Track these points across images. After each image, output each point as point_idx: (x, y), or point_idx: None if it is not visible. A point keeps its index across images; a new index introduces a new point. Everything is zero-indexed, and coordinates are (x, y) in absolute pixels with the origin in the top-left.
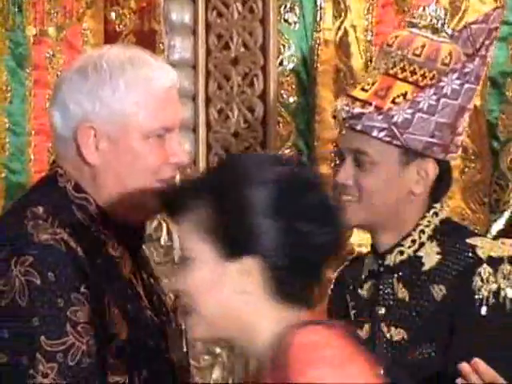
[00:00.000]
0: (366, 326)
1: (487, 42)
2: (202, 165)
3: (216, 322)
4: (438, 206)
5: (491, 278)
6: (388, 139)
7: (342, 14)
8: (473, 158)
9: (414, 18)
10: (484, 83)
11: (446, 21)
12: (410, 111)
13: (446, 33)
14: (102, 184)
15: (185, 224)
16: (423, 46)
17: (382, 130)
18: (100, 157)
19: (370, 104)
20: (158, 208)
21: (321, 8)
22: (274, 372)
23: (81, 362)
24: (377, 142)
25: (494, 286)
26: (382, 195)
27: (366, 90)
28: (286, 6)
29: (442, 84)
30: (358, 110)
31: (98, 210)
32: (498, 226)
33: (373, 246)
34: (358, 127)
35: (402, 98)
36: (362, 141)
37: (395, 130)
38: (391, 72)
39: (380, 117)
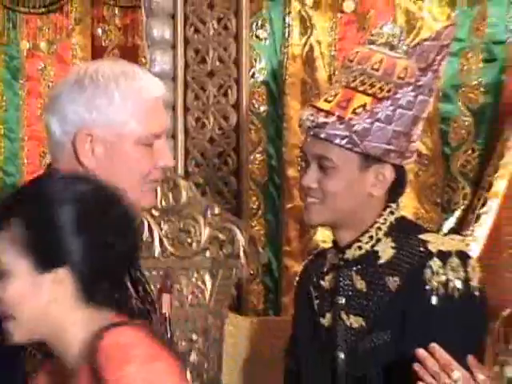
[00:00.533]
0: (328, 315)
1: (439, 58)
2: (180, 168)
3: (32, 327)
4: (393, 205)
5: (441, 271)
6: (349, 146)
7: (308, 31)
8: (426, 162)
9: (373, 35)
10: (437, 95)
11: (402, 38)
12: (369, 121)
13: (402, 49)
14: None
15: (1, 241)
16: (381, 62)
17: (344, 137)
18: (95, 161)
19: (333, 114)
20: (148, 207)
21: (289, 26)
22: (89, 372)
23: None
24: (339, 149)
25: (443, 278)
26: (343, 197)
27: (329, 101)
28: (257, 24)
29: (397, 96)
30: (322, 119)
31: None
32: (450, 224)
33: (334, 241)
34: (322, 135)
35: (361, 108)
36: (325, 148)
37: (355, 138)
38: (352, 85)
39: (342, 126)
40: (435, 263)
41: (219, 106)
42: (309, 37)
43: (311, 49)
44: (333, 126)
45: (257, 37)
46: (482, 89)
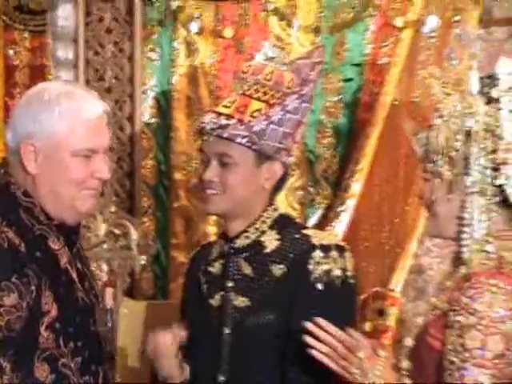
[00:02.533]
0: (217, 296)
1: (313, 72)
2: None
3: None
4: (276, 202)
5: (323, 261)
6: (248, 144)
7: (193, 54)
8: (294, 167)
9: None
10: None
11: (281, 55)
12: (264, 123)
13: (285, 63)
14: (41, 190)
15: None
16: (272, 73)
17: (244, 137)
18: (38, 168)
19: (233, 117)
20: (87, 211)
21: (176, 49)
22: None
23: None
24: (238, 147)
25: (325, 267)
26: (241, 190)
27: (228, 107)
28: (148, 47)
29: (286, 103)
30: (224, 121)
31: (41, 211)
32: (313, 221)
33: (223, 232)
34: (225, 135)
35: (257, 112)
36: (226, 146)
37: (254, 138)
38: (247, 93)
39: (242, 127)
40: (318, 255)
41: (116, 119)
42: (193, 59)
43: (195, 69)
44: (234, 127)
45: (148, 58)
46: (341, 105)
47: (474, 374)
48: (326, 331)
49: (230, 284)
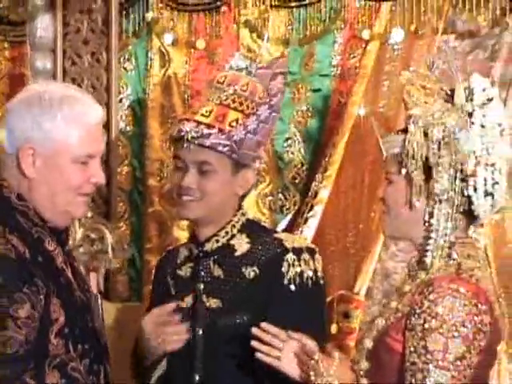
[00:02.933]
0: (188, 298)
1: (273, 82)
2: None
3: None
4: (245, 208)
5: (296, 263)
6: (229, 153)
7: (167, 64)
8: (263, 174)
9: (231, 67)
10: None
11: (253, 66)
12: (243, 132)
13: (250, 72)
14: (36, 194)
15: None
16: (247, 84)
17: (225, 146)
18: (36, 172)
19: (214, 127)
20: (80, 216)
21: (151, 59)
22: None
23: (17, 351)
24: (219, 155)
25: (298, 269)
26: (217, 196)
27: (207, 116)
28: (124, 58)
29: (259, 112)
30: (206, 130)
31: (35, 214)
32: (282, 225)
33: (192, 236)
34: (207, 144)
35: (235, 122)
36: (207, 154)
37: (234, 147)
38: (225, 102)
39: (223, 136)
40: (291, 257)
41: None
42: (167, 69)
43: (169, 79)
44: (216, 137)
45: (124, 68)
46: (310, 114)
47: (435, 376)
48: (271, 334)
49: (201, 286)
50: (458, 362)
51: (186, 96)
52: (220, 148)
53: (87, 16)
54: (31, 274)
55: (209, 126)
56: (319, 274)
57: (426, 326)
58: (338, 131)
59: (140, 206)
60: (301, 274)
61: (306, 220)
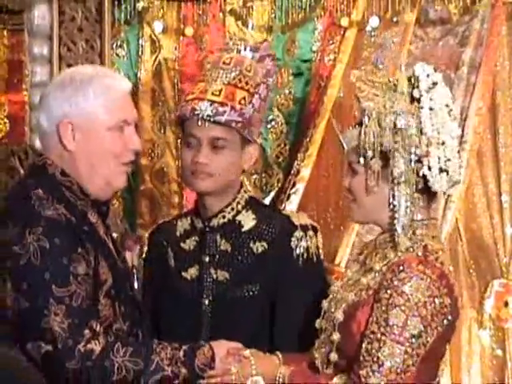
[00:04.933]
0: (192, 270)
1: (261, 64)
2: None
3: None
4: (246, 185)
5: (303, 239)
6: (242, 129)
7: (157, 51)
8: None
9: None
10: None
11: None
12: (251, 110)
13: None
14: (79, 167)
15: None
16: (250, 65)
17: (238, 122)
18: (76, 145)
19: (227, 104)
20: (120, 185)
21: (142, 46)
22: None
23: (81, 304)
24: (231, 131)
25: (304, 245)
26: (229, 171)
27: (217, 95)
28: (117, 44)
29: (260, 91)
30: (220, 108)
31: (78, 188)
32: (266, 202)
33: (194, 211)
34: (223, 120)
35: (243, 100)
36: (221, 131)
37: (245, 123)
38: (232, 82)
39: (236, 113)
40: (299, 233)
41: None
42: (157, 55)
43: (159, 64)
44: (229, 114)
45: (117, 55)
46: (292, 97)
47: (390, 348)
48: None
49: (207, 259)
50: (413, 340)
51: (175, 80)
52: (233, 124)
53: (82, 5)
54: (80, 238)
55: (222, 104)
56: (320, 250)
57: (391, 300)
58: (318, 113)
59: (132, 183)
60: (307, 249)
61: (289, 197)
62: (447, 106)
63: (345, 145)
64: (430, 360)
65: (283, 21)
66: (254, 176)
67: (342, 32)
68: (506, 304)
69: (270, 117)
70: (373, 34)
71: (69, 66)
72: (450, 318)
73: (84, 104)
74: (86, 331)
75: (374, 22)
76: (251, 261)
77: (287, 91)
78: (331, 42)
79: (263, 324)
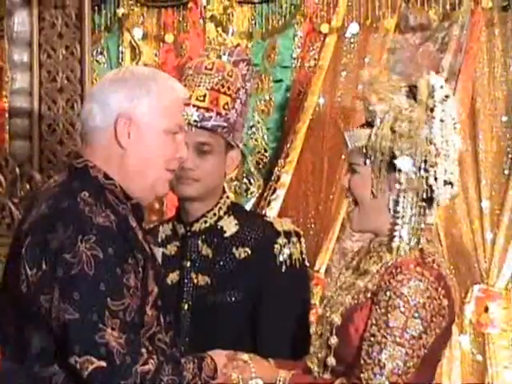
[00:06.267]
0: (173, 275)
1: (236, 69)
2: (36, 164)
3: None
4: (227, 191)
5: (286, 246)
6: (226, 135)
7: (137, 57)
8: None
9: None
10: None
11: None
12: (235, 115)
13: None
14: (128, 166)
15: None
16: (231, 71)
17: (224, 127)
18: (130, 142)
19: (212, 110)
20: (163, 192)
21: (122, 53)
22: None
23: (134, 318)
24: (216, 136)
25: (288, 251)
26: (214, 176)
27: (202, 101)
28: (97, 51)
29: (240, 96)
30: (206, 114)
31: (121, 191)
32: (248, 208)
33: (176, 216)
34: (209, 126)
35: (227, 105)
36: (207, 136)
37: (230, 128)
38: (215, 87)
39: (221, 119)
40: (282, 240)
41: (67, 116)
42: (137, 61)
43: None
44: (216, 119)
45: (97, 61)
46: (272, 103)
47: (391, 350)
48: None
49: (188, 264)
50: (414, 341)
51: None
52: (219, 130)
53: (61, 11)
54: (131, 246)
55: (207, 110)
56: (304, 255)
57: (390, 302)
58: (298, 119)
59: None
60: (290, 255)
61: (269, 203)
62: (453, 119)
63: (349, 144)
64: (427, 362)
65: (263, 27)
66: (235, 182)
67: (321, 38)
68: (486, 309)
69: (251, 123)
70: (352, 40)
71: (49, 72)
72: (447, 319)
73: (145, 101)
74: (143, 350)
75: (353, 28)
76: (233, 266)
77: (267, 97)
78: (311, 48)
79: (245, 330)
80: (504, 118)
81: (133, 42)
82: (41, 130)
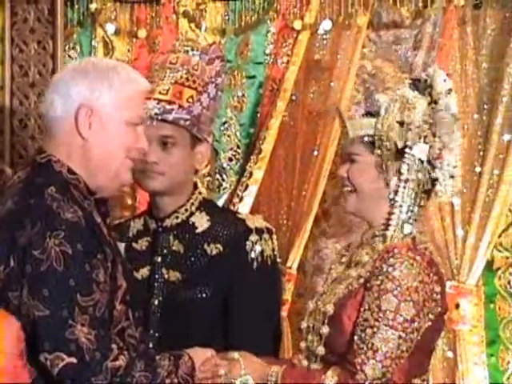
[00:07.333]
0: (144, 270)
1: (211, 67)
2: (7, 159)
3: None
4: (200, 187)
5: (258, 243)
6: (190, 127)
7: (110, 52)
8: None
9: (187, 46)
10: None
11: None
12: (200, 108)
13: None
14: (91, 157)
15: None
16: (197, 64)
17: (186, 120)
18: (91, 133)
19: (174, 103)
20: (127, 180)
21: (94, 48)
22: None
23: (103, 314)
24: (180, 130)
25: (259, 248)
26: (179, 169)
27: (165, 94)
28: (69, 46)
29: (209, 91)
30: (168, 106)
31: (85, 186)
32: (220, 204)
33: (148, 212)
34: (170, 118)
35: (191, 98)
36: (170, 129)
37: (194, 120)
38: (179, 81)
39: (184, 111)
40: (254, 237)
41: (39, 111)
42: (110, 57)
43: None
44: (177, 112)
45: (69, 56)
46: (245, 99)
47: (384, 333)
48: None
49: (159, 259)
50: (407, 324)
51: None
52: (182, 122)
53: (34, 6)
54: (99, 240)
55: (169, 103)
56: (276, 252)
57: (382, 286)
58: (271, 115)
59: None
60: (261, 252)
61: (242, 199)
62: (455, 113)
63: (350, 133)
64: (421, 352)
65: (236, 23)
66: (207, 178)
67: (294, 35)
68: (457, 306)
69: (223, 119)
70: (325, 37)
71: (20, 67)
72: (440, 305)
73: (107, 93)
74: (114, 345)
75: (326, 25)
76: (204, 263)
77: (240, 94)
78: (284, 44)
79: (216, 327)
80: (475, 116)
81: (105, 37)
82: (12, 125)
